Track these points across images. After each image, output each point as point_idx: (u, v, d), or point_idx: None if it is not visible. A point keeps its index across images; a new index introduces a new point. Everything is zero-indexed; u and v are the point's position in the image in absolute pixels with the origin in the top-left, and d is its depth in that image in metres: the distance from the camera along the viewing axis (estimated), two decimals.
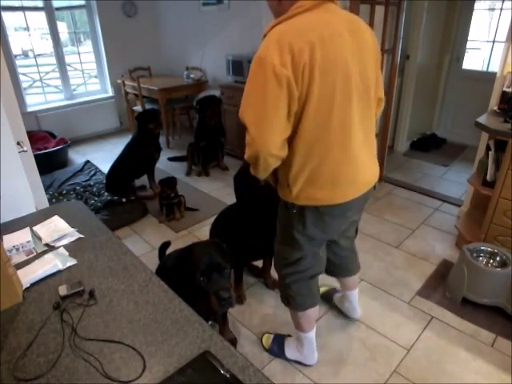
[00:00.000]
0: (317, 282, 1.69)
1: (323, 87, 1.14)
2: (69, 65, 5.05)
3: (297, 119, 1.19)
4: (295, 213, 1.37)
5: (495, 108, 2.48)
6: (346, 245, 1.75)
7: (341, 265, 1.82)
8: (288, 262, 1.56)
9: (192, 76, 4.72)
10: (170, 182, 3.06)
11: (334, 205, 1.33)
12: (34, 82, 4.91)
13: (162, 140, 4.87)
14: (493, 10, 4.17)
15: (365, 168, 1.35)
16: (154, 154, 3.57)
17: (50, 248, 1.24)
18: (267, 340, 1.94)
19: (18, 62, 4.61)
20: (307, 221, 1.37)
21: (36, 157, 2.06)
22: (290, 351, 1.85)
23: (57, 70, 4.96)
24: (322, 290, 2.16)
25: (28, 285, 1.06)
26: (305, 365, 1.83)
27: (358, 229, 2.12)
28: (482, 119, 2.33)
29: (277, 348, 1.89)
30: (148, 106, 4.72)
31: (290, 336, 1.93)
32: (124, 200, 3.20)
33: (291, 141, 1.23)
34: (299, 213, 1.37)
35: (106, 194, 3.28)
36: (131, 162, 3.41)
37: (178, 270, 1.34)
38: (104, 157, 4.58)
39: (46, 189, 3.28)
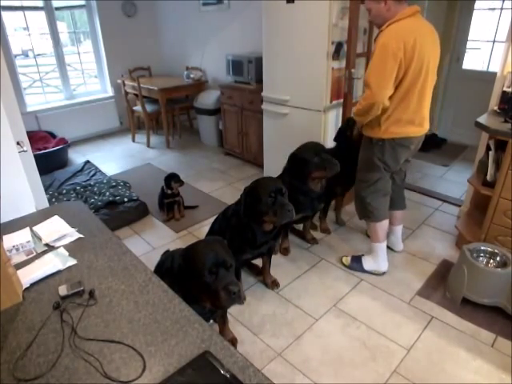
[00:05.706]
0: (388, 200, 2.27)
1: (417, 64, 1.86)
2: (69, 65, 5.05)
3: (398, 82, 1.89)
4: (379, 145, 2.07)
5: (495, 108, 2.48)
6: (399, 181, 2.39)
7: (393, 198, 2.36)
8: (369, 183, 2.20)
9: (192, 76, 4.72)
10: (174, 177, 3.07)
11: (405, 137, 2.03)
12: (34, 81, 4.91)
13: (162, 140, 4.94)
14: (493, 9, 4.17)
15: (426, 118, 2.07)
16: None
17: (50, 248, 1.24)
18: (346, 260, 2.47)
19: (17, 62, 4.60)
20: (385, 151, 2.07)
21: (36, 157, 2.06)
22: (368, 264, 2.39)
23: (57, 70, 4.96)
24: None
25: (28, 285, 1.06)
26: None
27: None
28: (482, 119, 2.33)
29: (356, 264, 2.42)
30: (148, 106, 4.72)
31: (363, 255, 2.43)
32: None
33: (391, 96, 1.91)
34: (381, 145, 2.07)
35: (107, 193, 3.28)
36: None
37: (182, 270, 1.33)
38: (104, 157, 4.58)
39: (46, 189, 3.27)
